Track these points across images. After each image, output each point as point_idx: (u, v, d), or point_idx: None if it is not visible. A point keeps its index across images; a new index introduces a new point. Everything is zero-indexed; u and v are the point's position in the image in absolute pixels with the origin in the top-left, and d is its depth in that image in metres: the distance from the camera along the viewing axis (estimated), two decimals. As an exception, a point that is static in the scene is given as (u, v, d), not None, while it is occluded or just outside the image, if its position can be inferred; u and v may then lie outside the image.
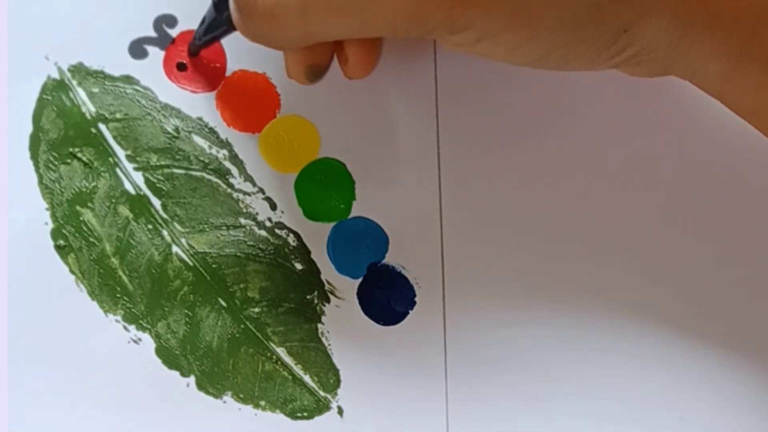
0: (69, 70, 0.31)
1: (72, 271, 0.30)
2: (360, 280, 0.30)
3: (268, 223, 0.31)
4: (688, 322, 0.30)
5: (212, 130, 0.31)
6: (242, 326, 0.30)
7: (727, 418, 0.30)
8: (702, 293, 0.30)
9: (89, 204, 0.30)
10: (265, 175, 0.31)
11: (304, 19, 0.22)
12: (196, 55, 0.31)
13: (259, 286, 0.30)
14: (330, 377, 0.30)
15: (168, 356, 0.30)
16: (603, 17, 0.22)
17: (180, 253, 0.30)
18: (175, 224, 0.30)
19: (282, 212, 0.31)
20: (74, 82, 0.31)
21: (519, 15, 0.21)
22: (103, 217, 0.30)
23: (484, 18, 0.21)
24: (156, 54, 0.31)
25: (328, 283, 0.30)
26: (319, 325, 0.30)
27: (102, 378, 0.29)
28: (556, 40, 0.22)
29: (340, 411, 0.30)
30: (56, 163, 0.30)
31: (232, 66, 0.31)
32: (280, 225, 0.31)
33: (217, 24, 0.28)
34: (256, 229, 0.30)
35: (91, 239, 0.30)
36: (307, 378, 0.30)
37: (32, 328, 0.29)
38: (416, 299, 0.30)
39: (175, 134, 0.31)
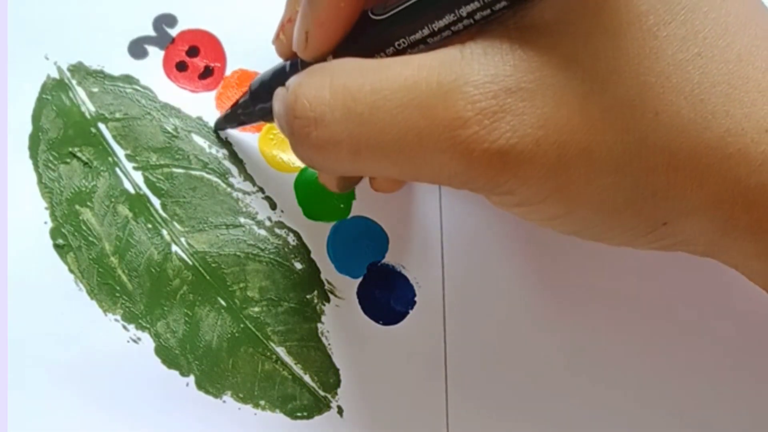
0: (68, 69, 0.31)
1: (71, 271, 0.30)
2: (360, 279, 0.30)
3: (267, 223, 0.31)
4: (691, 328, 0.30)
5: (212, 130, 0.31)
6: (242, 326, 0.30)
7: (728, 417, 0.30)
8: (702, 293, 0.30)
9: (88, 203, 0.30)
10: (265, 175, 0.31)
11: (354, 158, 0.22)
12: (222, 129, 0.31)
13: (259, 285, 0.30)
14: (330, 377, 0.30)
15: (167, 356, 0.30)
16: (641, 209, 0.22)
17: (179, 252, 0.30)
18: (175, 223, 0.30)
19: (282, 212, 0.31)
20: (74, 82, 0.31)
21: (558, 192, 0.21)
22: (102, 217, 0.30)
23: (524, 188, 0.21)
24: (156, 53, 0.31)
25: (328, 282, 0.30)
26: (319, 325, 0.30)
27: (101, 377, 0.29)
28: (593, 219, 0.22)
29: (340, 411, 0.30)
30: (56, 162, 0.30)
31: (232, 66, 0.31)
32: (280, 224, 0.31)
33: (251, 116, 0.27)
34: (255, 228, 0.30)
35: (90, 238, 0.30)
36: (306, 377, 0.30)
37: (32, 328, 0.29)
38: (416, 299, 0.30)
39: (175, 134, 0.31)
